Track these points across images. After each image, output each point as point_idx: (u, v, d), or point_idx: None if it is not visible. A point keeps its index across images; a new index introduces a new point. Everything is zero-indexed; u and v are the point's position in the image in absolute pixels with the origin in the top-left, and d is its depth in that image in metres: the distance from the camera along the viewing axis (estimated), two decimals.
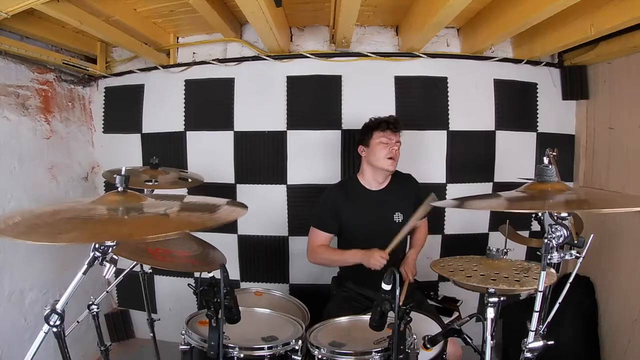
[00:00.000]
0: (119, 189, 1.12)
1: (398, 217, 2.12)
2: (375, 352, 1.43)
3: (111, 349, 1.82)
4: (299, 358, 1.51)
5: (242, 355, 1.47)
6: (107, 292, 2.03)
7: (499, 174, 2.74)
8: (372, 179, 2.15)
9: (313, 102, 2.73)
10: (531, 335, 1.21)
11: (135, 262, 1.98)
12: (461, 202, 1.44)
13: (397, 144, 2.08)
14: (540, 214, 1.35)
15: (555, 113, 2.77)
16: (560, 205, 1.23)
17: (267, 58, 2.67)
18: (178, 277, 2.86)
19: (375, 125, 2.10)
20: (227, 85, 2.74)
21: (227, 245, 2.74)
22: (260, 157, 2.75)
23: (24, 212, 1.08)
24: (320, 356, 1.48)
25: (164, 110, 2.82)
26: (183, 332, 1.57)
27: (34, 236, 0.90)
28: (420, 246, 2.25)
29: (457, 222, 2.77)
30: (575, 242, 1.24)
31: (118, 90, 2.87)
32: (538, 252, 1.21)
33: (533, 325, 1.20)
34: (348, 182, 2.25)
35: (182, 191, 2.78)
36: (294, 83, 2.70)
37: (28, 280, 2.25)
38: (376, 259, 1.93)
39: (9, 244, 2.13)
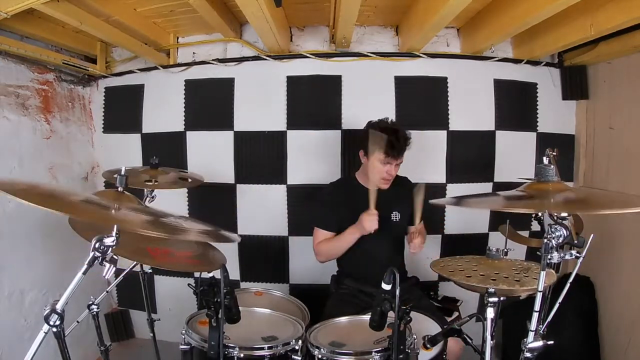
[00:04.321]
0: (119, 190, 1.12)
1: (395, 216, 2.14)
2: (375, 352, 1.43)
3: (111, 349, 1.82)
4: (299, 358, 1.51)
5: (242, 355, 1.47)
6: (107, 292, 2.03)
7: (499, 174, 2.73)
8: (368, 182, 2.16)
9: (313, 102, 2.73)
10: (531, 335, 1.21)
11: (135, 262, 1.99)
12: (459, 200, 1.44)
13: (396, 166, 2.07)
14: (540, 214, 1.35)
15: (555, 113, 2.76)
16: (560, 205, 1.23)
17: (267, 58, 2.67)
18: (178, 277, 2.85)
19: (380, 145, 1.99)
20: (227, 85, 2.73)
21: (227, 245, 2.73)
22: (260, 157, 2.75)
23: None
24: (320, 356, 1.48)
25: (164, 110, 2.82)
26: (183, 332, 1.57)
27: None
28: (424, 236, 2.17)
29: (457, 222, 2.77)
30: (575, 242, 1.23)
31: (118, 90, 2.87)
32: (538, 252, 1.21)
33: (533, 325, 1.20)
34: (345, 181, 2.29)
35: (182, 191, 2.79)
36: (294, 83, 2.70)
37: (28, 280, 2.24)
38: (366, 220, 1.91)
39: (9, 244, 2.13)
